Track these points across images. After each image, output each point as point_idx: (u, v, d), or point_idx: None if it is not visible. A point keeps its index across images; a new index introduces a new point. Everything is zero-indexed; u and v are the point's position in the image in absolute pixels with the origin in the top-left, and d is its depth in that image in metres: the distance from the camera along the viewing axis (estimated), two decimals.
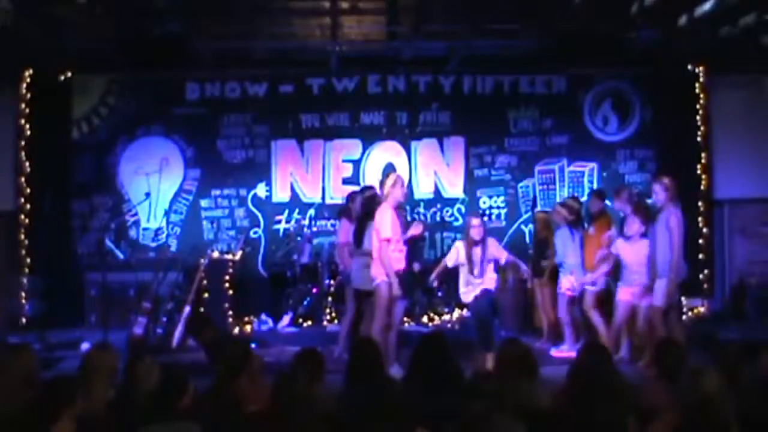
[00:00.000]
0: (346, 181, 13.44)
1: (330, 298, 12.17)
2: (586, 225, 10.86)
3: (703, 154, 13.52)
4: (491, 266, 9.84)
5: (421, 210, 13.57)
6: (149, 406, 5.03)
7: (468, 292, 9.76)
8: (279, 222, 13.52)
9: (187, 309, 10.97)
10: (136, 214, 13.36)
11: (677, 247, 9.22)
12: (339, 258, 10.95)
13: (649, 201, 10.33)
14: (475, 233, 9.73)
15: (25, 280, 12.77)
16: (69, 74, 13.13)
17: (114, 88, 13.37)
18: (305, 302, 12.28)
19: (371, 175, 13.37)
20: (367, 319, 9.71)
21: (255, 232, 13.48)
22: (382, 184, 9.62)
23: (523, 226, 13.61)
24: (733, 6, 10.35)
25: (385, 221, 9.10)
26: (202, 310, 11.17)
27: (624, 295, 9.77)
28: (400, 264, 9.26)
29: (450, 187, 13.70)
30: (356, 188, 12.30)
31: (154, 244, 13.27)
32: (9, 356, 5.81)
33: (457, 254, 9.86)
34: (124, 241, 13.30)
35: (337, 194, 13.28)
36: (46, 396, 4.73)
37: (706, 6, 10.44)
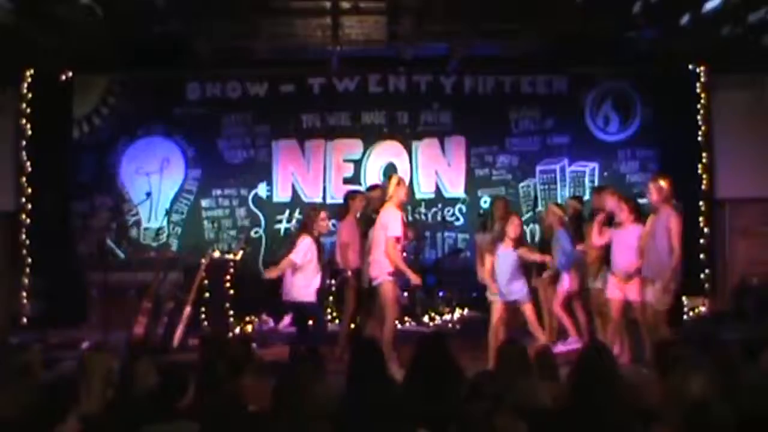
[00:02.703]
0: (347, 181, 13.44)
1: (330, 298, 12.16)
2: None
3: (704, 154, 13.50)
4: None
5: (422, 210, 13.57)
6: (149, 405, 5.03)
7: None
8: (280, 222, 13.53)
9: (188, 309, 10.98)
10: (137, 213, 13.36)
11: (678, 249, 9.21)
12: (341, 257, 10.94)
13: (643, 201, 10.30)
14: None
15: (26, 280, 12.80)
16: (70, 74, 13.14)
17: (115, 87, 13.38)
18: None
19: (372, 175, 13.40)
20: (371, 319, 9.81)
21: (256, 232, 13.49)
22: (385, 185, 9.73)
23: (524, 226, 13.57)
24: (734, 5, 10.34)
25: (393, 220, 9.28)
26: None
27: (614, 292, 9.72)
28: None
29: (451, 187, 13.70)
30: (355, 187, 12.38)
31: (154, 244, 13.27)
32: (13, 357, 5.83)
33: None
34: (124, 240, 13.31)
35: (338, 194, 13.23)
36: (50, 397, 4.75)
37: (708, 5, 10.42)
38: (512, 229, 9.54)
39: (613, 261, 9.75)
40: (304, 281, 9.53)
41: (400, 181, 9.69)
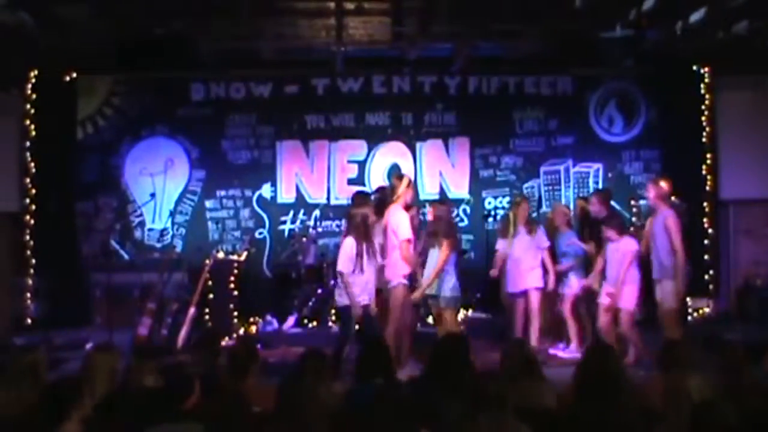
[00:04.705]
0: (351, 182, 13.43)
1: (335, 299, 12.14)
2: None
3: (708, 155, 13.48)
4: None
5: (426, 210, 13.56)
6: (154, 406, 5.04)
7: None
8: (284, 223, 13.53)
9: (192, 310, 10.98)
10: (141, 214, 13.37)
11: (680, 248, 9.22)
12: None
13: (643, 202, 10.29)
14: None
15: (30, 281, 12.80)
16: (74, 75, 13.15)
17: (119, 88, 13.38)
18: (310, 303, 12.28)
19: (376, 176, 13.41)
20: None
21: (260, 233, 13.49)
22: (394, 186, 9.73)
23: None
24: (738, 7, 10.33)
25: (402, 222, 9.31)
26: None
27: (605, 298, 9.71)
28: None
29: (455, 188, 13.68)
30: (361, 188, 12.37)
31: (159, 245, 13.28)
32: (18, 358, 5.84)
33: None
34: (129, 241, 13.32)
35: (342, 195, 13.28)
36: (53, 396, 4.75)
37: (711, 6, 10.42)
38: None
39: (608, 272, 9.77)
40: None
41: (410, 183, 9.75)
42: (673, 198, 10.20)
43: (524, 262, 10.10)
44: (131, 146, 13.39)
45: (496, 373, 5.68)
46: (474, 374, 5.69)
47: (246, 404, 5.39)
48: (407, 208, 9.64)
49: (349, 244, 8.97)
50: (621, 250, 9.57)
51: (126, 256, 13.20)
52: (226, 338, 11.21)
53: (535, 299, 10.13)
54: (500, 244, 10.63)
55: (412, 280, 9.65)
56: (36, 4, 10.06)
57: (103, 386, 5.47)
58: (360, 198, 10.71)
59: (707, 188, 13.45)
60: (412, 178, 10.93)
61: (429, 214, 10.47)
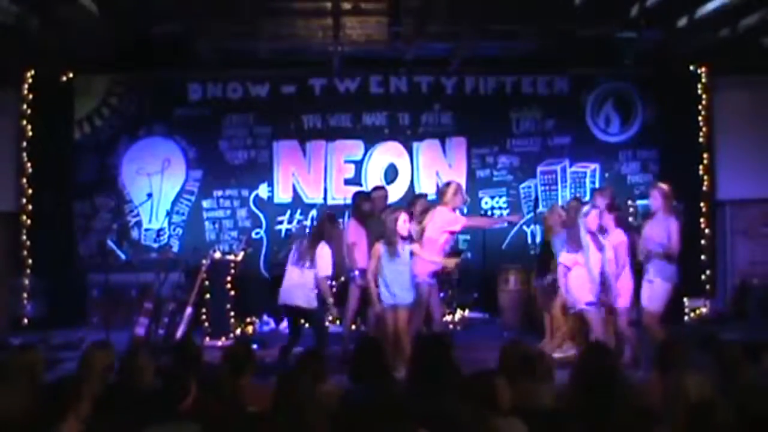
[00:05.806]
0: (348, 182, 13.43)
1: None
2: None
3: (705, 155, 13.50)
4: None
5: None
6: (151, 406, 5.03)
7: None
8: (281, 223, 13.52)
9: (189, 310, 10.97)
10: (138, 214, 13.35)
11: (676, 254, 9.27)
12: (347, 257, 10.86)
13: (644, 202, 10.27)
14: None
15: (26, 281, 12.79)
16: (71, 75, 13.13)
17: (116, 88, 13.35)
18: None
19: (373, 176, 13.41)
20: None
21: (257, 233, 13.46)
22: (443, 192, 10.23)
23: (525, 227, 13.57)
24: (736, 6, 10.34)
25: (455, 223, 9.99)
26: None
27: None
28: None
29: None
30: (360, 188, 12.40)
31: (156, 245, 13.25)
32: (15, 357, 5.84)
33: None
34: (126, 241, 13.29)
35: (339, 195, 13.29)
36: (52, 396, 4.74)
37: (709, 6, 10.43)
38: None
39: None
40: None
41: (457, 189, 10.13)
42: None
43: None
44: (128, 146, 13.35)
45: (491, 373, 5.68)
46: (461, 373, 5.70)
47: (242, 404, 5.39)
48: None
49: (327, 250, 9.64)
50: (612, 242, 9.50)
51: (123, 256, 13.17)
52: (223, 338, 11.27)
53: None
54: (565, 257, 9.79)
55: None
56: (34, 4, 10.06)
57: (98, 384, 5.47)
58: (362, 198, 10.84)
59: (704, 188, 13.48)
60: (460, 184, 10.85)
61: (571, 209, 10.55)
